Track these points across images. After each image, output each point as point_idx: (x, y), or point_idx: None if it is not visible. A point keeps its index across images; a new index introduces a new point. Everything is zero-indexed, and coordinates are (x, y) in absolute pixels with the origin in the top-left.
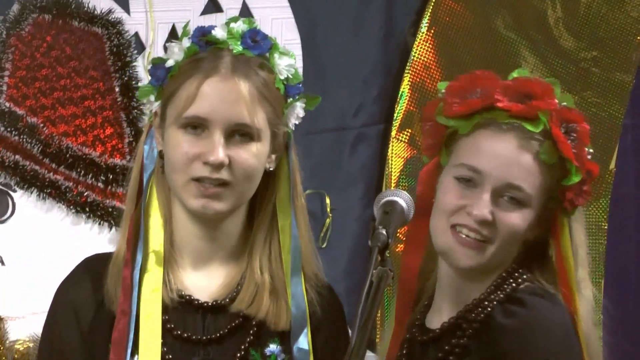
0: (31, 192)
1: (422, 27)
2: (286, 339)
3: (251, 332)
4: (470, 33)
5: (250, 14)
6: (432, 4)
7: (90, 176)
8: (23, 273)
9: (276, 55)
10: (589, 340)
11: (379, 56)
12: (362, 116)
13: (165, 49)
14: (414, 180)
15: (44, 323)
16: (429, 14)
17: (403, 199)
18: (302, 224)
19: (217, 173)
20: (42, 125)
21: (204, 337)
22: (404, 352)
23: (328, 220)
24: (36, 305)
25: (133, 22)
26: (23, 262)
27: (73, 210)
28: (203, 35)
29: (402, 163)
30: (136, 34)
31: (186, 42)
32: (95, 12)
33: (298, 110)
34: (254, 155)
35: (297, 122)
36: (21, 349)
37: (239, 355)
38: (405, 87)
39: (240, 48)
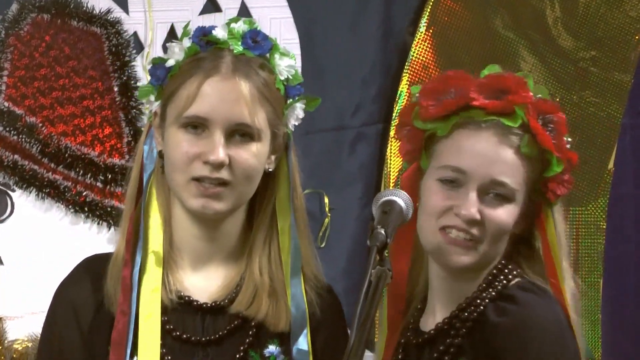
0: (30, 192)
1: (420, 27)
2: (286, 340)
3: (250, 333)
4: (468, 33)
5: (248, 13)
6: (431, 3)
7: (89, 176)
8: (22, 273)
9: (277, 56)
10: (575, 330)
11: (378, 56)
12: (360, 116)
13: (164, 48)
14: None
15: (43, 323)
16: (427, 13)
17: (402, 199)
18: (302, 225)
19: (217, 173)
20: (40, 124)
21: (203, 338)
22: (399, 357)
23: (327, 220)
24: (35, 305)
25: (132, 22)
26: (22, 261)
27: (72, 210)
28: (204, 35)
29: (401, 162)
30: (135, 34)
31: (187, 42)
32: (94, 12)
33: (298, 111)
34: (254, 155)
35: (296, 123)
36: (20, 348)
37: (238, 356)
38: (404, 87)
39: (240, 48)
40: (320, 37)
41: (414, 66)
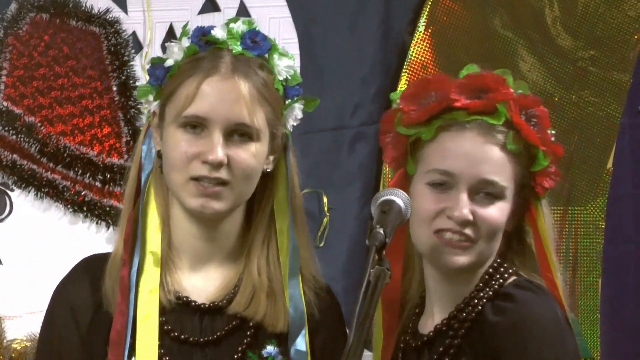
0: (29, 192)
1: (419, 26)
2: (284, 340)
3: (248, 333)
4: (467, 32)
5: (247, 13)
6: (430, 3)
7: (87, 175)
8: (20, 272)
9: (275, 56)
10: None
11: (377, 55)
12: (359, 115)
13: (163, 48)
14: None
15: (42, 323)
16: (426, 13)
17: (400, 198)
18: (300, 225)
19: (216, 172)
20: (39, 124)
21: (201, 339)
22: None
23: (326, 220)
24: (34, 305)
25: (131, 22)
26: (20, 261)
27: (70, 210)
28: (203, 35)
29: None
30: (134, 33)
31: (185, 42)
32: (93, 12)
33: (296, 112)
34: (253, 155)
35: (295, 124)
36: (18, 348)
37: (236, 357)
38: (403, 87)
39: (239, 48)
40: (319, 36)
41: (413, 66)
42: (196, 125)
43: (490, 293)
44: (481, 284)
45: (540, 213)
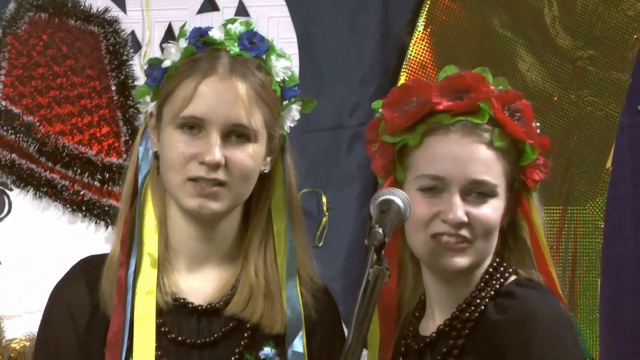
0: (27, 191)
1: (418, 26)
2: (281, 342)
3: (246, 335)
4: (466, 32)
5: (246, 12)
6: (429, 2)
7: (86, 175)
8: (19, 272)
9: (273, 57)
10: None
11: (376, 55)
12: (358, 115)
13: (162, 48)
14: None
15: (39, 324)
16: (425, 12)
17: (399, 198)
18: (298, 227)
19: (214, 173)
20: (38, 123)
21: (199, 341)
22: None
23: (324, 219)
24: (33, 304)
25: (129, 21)
26: (19, 261)
27: (69, 209)
28: (200, 36)
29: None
30: (132, 33)
31: (183, 43)
32: (92, 11)
33: (294, 113)
34: (250, 156)
35: (292, 125)
36: (18, 347)
37: (233, 358)
38: None
39: (237, 49)
40: (318, 36)
41: (412, 65)
42: (194, 126)
43: (492, 292)
44: (482, 284)
45: (533, 206)
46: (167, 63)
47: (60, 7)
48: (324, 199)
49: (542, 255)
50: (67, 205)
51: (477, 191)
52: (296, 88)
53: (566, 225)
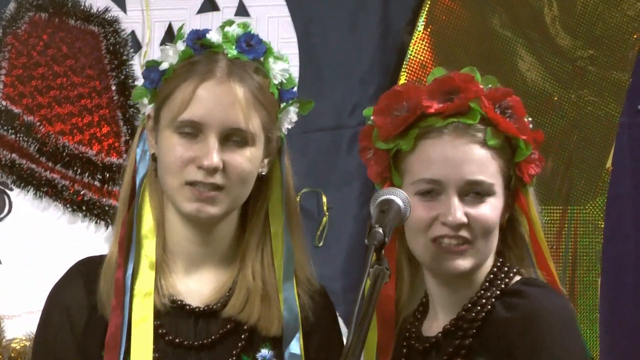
0: (28, 191)
1: (418, 26)
2: (278, 344)
3: (243, 337)
4: (466, 32)
5: (246, 12)
6: (429, 2)
7: (86, 175)
8: (20, 272)
9: (271, 60)
10: None
11: (376, 55)
12: (358, 115)
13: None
14: None
15: (37, 326)
16: (425, 12)
17: (400, 198)
18: (295, 229)
19: (211, 177)
20: (38, 123)
21: (196, 342)
22: None
23: (325, 219)
24: (33, 304)
25: (129, 21)
26: (20, 260)
27: (69, 209)
28: (198, 39)
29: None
30: (132, 33)
31: (180, 45)
32: (92, 11)
33: (291, 115)
34: (248, 160)
35: (290, 127)
36: (18, 347)
37: None
38: None
39: (235, 52)
40: (318, 36)
41: (412, 65)
42: (191, 129)
43: (498, 292)
44: (487, 284)
45: (530, 201)
46: (164, 65)
47: (61, 7)
48: (324, 199)
49: (541, 250)
50: (68, 205)
51: (474, 191)
52: (294, 90)
53: (566, 225)
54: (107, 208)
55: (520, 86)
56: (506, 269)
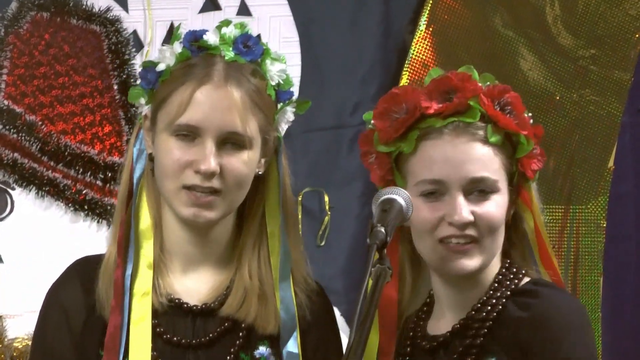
0: (30, 190)
1: (420, 25)
2: (275, 342)
3: (240, 335)
4: (468, 31)
5: (248, 12)
6: (431, 1)
7: (88, 174)
8: (22, 271)
9: (268, 62)
10: None
11: (377, 54)
12: (360, 114)
13: None
14: None
15: (35, 326)
16: (427, 11)
17: (401, 197)
18: (292, 228)
19: (208, 182)
20: (40, 123)
21: (194, 341)
22: None
23: (326, 218)
24: (35, 304)
25: (131, 20)
26: (22, 260)
27: (71, 208)
28: (195, 40)
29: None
30: (134, 32)
31: (177, 47)
32: (94, 10)
33: (288, 115)
34: (245, 163)
35: (287, 126)
36: (20, 346)
37: (228, 358)
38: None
39: (232, 54)
40: (319, 35)
41: (414, 64)
42: (189, 133)
43: (508, 292)
44: (496, 284)
45: (533, 196)
46: (161, 66)
47: (62, 6)
48: (326, 198)
49: (545, 247)
50: (69, 205)
51: (478, 189)
52: (291, 90)
53: (568, 225)
54: (109, 207)
55: (522, 86)
56: (515, 269)
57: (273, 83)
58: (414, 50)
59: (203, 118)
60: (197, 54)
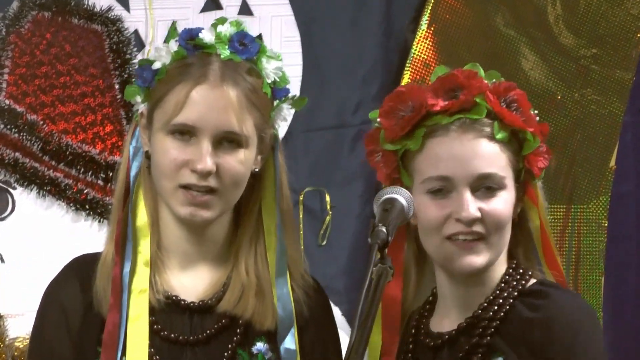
0: (31, 190)
1: (422, 25)
2: (272, 338)
3: (238, 331)
4: (470, 30)
5: (249, 11)
6: (432, 1)
7: (90, 173)
8: (23, 271)
9: (264, 60)
10: None
11: (379, 53)
12: (361, 113)
13: None
14: None
15: (33, 324)
16: (428, 11)
17: (403, 197)
18: (288, 225)
19: (205, 181)
20: (41, 122)
21: (191, 338)
22: None
23: (328, 218)
24: (36, 303)
25: (133, 20)
26: (23, 259)
27: (73, 208)
28: (191, 39)
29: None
30: (136, 32)
31: (173, 45)
32: (95, 10)
33: (284, 112)
34: (241, 162)
35: (282, 123)
36: (21, 346)
37: (226, 354)
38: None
39: (227, 52)
40: (321, 34)
41: (415, 64)
42: (185, 132)
43: (515, 293)
44: (502, 284)
45: (539, 193)
46: (157, 65)
47: (64, 5)
48: (327, 198)
49: (550, 245)
50: (71, 204)
51: (485, 186)
52: (287, 87)
53: (569, 224)
54: (110, 207)
55: (524, 85)
56: (521, 270)
57: (269, 81)
58: (415, 50)
59: (199, 118)
60: (193, 52)
